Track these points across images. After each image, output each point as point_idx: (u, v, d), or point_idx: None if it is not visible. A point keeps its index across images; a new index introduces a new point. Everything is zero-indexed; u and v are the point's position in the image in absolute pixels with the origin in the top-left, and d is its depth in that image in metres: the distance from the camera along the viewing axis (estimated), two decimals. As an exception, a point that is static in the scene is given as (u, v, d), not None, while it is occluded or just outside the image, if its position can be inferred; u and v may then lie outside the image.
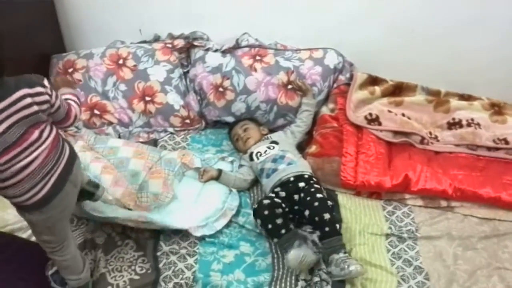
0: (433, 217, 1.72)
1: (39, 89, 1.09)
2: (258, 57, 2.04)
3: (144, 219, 1.52)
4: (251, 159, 1.84)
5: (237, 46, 2.07)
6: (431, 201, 1.76)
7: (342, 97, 2.02)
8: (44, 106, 1.11)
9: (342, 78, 2.08)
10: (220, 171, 1.78)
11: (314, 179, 1.71)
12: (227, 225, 1.62)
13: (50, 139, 1.15)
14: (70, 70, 2.02)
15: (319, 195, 1.57)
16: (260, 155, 1.82)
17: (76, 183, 1.25)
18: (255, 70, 2.02)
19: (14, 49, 1.77)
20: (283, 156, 1.78)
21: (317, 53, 2.05)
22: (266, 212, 1.54)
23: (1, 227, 1.49)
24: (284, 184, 1.68)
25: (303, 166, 1.77)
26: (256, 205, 1.59)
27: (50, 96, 1.13)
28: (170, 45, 2.11)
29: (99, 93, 2.02)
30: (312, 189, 1.61)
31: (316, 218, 1.51)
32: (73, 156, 1.23)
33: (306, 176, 1.70)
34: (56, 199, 1.16)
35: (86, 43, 2.21)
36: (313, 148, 1.86)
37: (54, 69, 2.06)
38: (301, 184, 1.65)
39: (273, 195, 1.64)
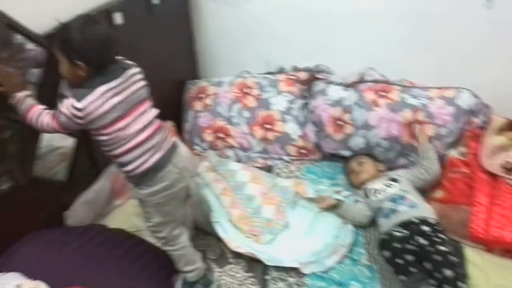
0: None
1: (138, 69, 1.35)
2: (382, 93, 2.03)
3: (255, 257, 1.58)
4: (366, 195, 1.81)
5: (361, 80, 2.09)
6: None
7: (475, 141, 1.88)
8: (145, 82, 1.36)
9: (476, 120, 1.95)
10: (339, 201, 1.76)
11: (439, 226, 1.60)
12: (339, 261, 1.60)
13: (154, 117, 1.37)
14: (201, 95, 2.25)
15: (442, 248, 1.47)
16: (377, 192, 1.77)
17: (180, 168, 1.39)
18: (378, 105, 2.00)
19: (156, 73, 2.05)
20: (403, 197, 1.70)
21: (449, 92, 1.97)
22: (397, 245, 1.49)
23: (135, 231, 1.68)
24: (406, 224, 1.60)
25: (427, 211, 1.67)
26: (387, 236, 1.54)
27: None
28: (293, 77, 2.22)
29: (224, 118, 2.20)
30: (437, 239, 1.50)
31: (437, 274, 1.41)
32: (175, 145, 1.42)
33: (431, 221, 1.60)
34: (160, 173, 1.34)
35: (217, 71, 2.45)
36: (439, 193, 1.76)
37: (188, 94, 2.31)
38: (425, 228, 1.55)
39: (398, 229, 1.57)
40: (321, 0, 2.10)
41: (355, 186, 1.92)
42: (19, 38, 1.35)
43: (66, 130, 1.29)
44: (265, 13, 2.22)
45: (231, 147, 2.19)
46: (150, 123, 1.34)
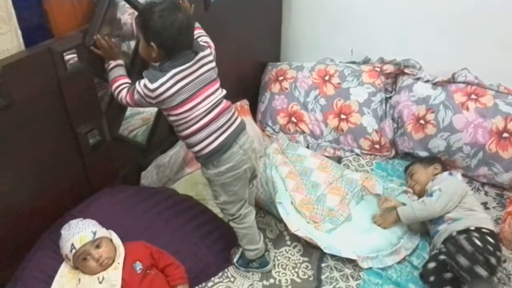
0: None
1: (209, 50, 1.41)
2: (473, 96, 1.95)
3: (313, 243, 1.62)
4: None
5: (452, 80, 2.02)
6: None
7: None
8: (214, 63, 1.41)
9: None
10: (400, 205, 1.73)
11: (487, 230, 1.52)
12: (399, 262, 1.61)
13: (222, 97, 1.42)
14: (280, 78, 2.32)
15: (478, 242, 1.43)
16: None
17: (245, 149, 1.45)
18: (467, 108, 1.93)
19: (239, 52, 2.16)
20: (441, 217, 1.62)
21: (550, 103, 1.84)
22: (432, 279, 1.49)
23: (201, 200, 1.82)
24: (446, 241, 1.54)
25: (472, 220, 1.56)
26: (422, 269, 1.54)
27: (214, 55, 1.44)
28: (378, 69, 2.20)
29: (300, 103, 2.26)
30: (477, 242, 1.44)
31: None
32: (242, 125, 1.48)
33: (472, 228, 1.53)
34: (225, 154, 1.41)
35: (299, 56, 2.50)
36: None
37: (267, 75, 2.39)
38: (463, 235, 1.50)
39: (438, 251, 1.55)
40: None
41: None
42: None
43: (137, 106, 1.41)
44: (356, 0, 2.21)
45: (302, 132, 2.25)
46: (217, 104, 1.40)
